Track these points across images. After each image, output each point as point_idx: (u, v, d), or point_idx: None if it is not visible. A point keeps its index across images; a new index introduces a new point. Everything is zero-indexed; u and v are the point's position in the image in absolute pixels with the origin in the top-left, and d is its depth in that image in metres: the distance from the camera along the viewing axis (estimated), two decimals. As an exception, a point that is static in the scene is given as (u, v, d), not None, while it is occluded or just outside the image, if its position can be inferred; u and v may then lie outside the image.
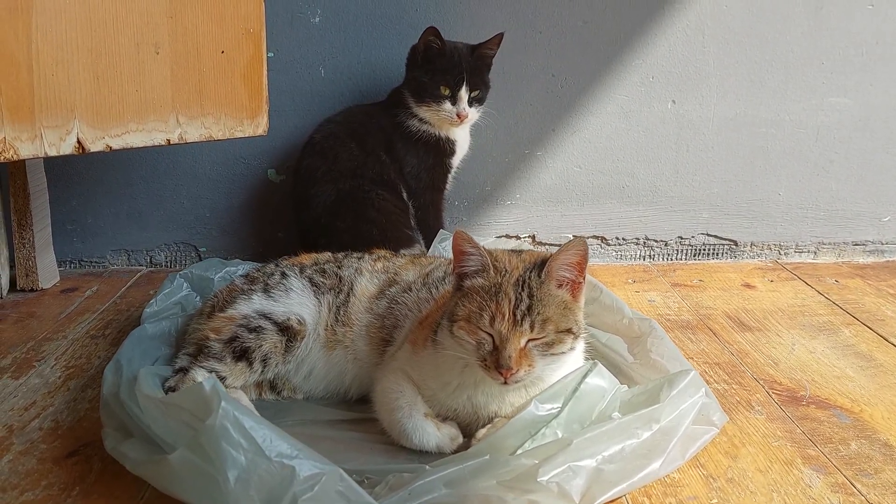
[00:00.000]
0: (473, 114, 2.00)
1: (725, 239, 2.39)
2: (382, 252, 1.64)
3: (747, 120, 2.30)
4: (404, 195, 2.04)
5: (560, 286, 1.21)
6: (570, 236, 1.25)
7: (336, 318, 1.45)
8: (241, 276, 1.61)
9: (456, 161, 2.09)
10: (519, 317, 1.16)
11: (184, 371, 1.34)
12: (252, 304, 1.42)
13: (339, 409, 1.43)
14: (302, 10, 2.15)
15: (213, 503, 1.00)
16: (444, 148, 2.04)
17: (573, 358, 1.26)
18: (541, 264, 1.20)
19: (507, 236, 2.35)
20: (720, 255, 2.40)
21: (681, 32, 2.22)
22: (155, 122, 1.54)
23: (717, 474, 1.22)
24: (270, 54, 2.07)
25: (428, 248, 2.00)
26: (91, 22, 1.39)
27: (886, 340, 1.77)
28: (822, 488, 1.19)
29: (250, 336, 1.36)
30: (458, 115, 1.96)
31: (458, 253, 1.21)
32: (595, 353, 1.45)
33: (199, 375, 1.31)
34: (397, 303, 1.44)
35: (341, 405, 1.45)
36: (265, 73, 1.76)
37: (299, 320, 1.41)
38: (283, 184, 2.24)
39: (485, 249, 1.20)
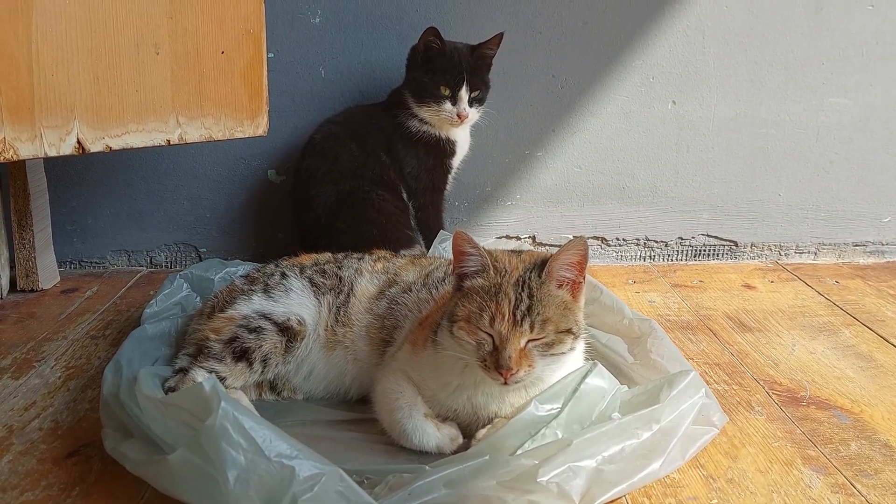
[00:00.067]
0: (474, 114, 2.00)
1: (726, 240, 2.39)
2: (382, 253, 1.64)
3: (747, 120, 2.30)
4: (404, 196, 2.04)
5: (560, 286, 1.21)
6: (571, 237, 1.25)
7: (336, 318, 1.45)
8: (241, 276, 1.61)
9: (456, 162, 2.09)
10: (519, 317, 1.16)
11: (184, 371, 1.34)
12: (252, 305, 1.42)
13: (339, 410, 1.42)
14: (302, 10, 2.15)
15: (212, 503, 1.00)
16: (444, 148, 2.04)
17: (573, 358, 1.26)
18: (541, 265, 1.20)
19: (508, 237, 2.35)
20: (720, 255, 2.40)
21: (681, 33, 2.22)
22: (155, 123, 1.54)
23: (717, 475, 1.22)
24: (270, 55, 2.07)
25: (428, 248, 2.00)
26: (91, 22, 1.39)
27: (887, 341, 1.77)
28: (822, 489, 1.19)
29: (250, 336, 1.36)
30: (459, 116, 1.96)
31: (458, 253, 1.21)
32: (595, 354, 1.45)
33: (199, 376, 1.31)
34: (397, 303, 1.44)
35: (341, 406, 1.45)
36: (265, 73, 1.76)
37: (299, 321, 1.41)
38: (284, 184, 2.24)
39: (485, 250, 1.20)
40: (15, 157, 1.28)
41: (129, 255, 2.28)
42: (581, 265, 1.20)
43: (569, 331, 1.20)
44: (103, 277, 2.19)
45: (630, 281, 2.20)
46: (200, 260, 2.26)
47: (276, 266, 1.56)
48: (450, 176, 2.10)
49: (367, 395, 1.40)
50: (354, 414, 1.40)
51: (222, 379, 1.33)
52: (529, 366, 1.17)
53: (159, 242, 2.28)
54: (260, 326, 1.38)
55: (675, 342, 1.51)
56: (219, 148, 2.20)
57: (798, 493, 1.18)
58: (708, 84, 2.27)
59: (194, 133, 1.62)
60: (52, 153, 1.35)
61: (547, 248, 2.34)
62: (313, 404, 1.45)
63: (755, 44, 2.25)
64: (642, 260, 2.39)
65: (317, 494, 0.97)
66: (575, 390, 1.20)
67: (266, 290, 1.45)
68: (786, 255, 2.41)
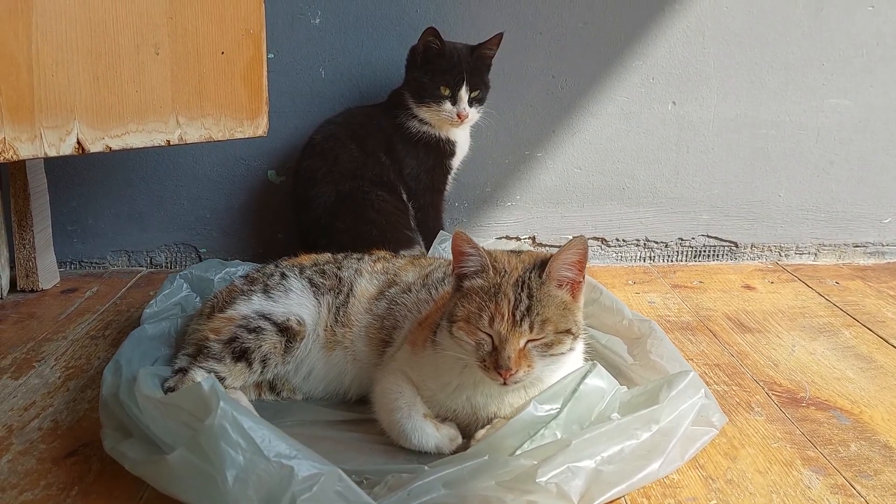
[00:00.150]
0: (474, 114, 2.00)
1: (726, 240, 2.39)
2: (382, 253, 1.64)
3: (748, 121, 2.30)
4: (404, 196, 2.04)
5: (560, 286, 1.21)
6: (571, 238, 1.25)
7: (335, 318, 1.45)
8: (241, 276, 1.61)
9: (456, 162, 2.09)
10: (518, 317, 1.16)
11: (183, 371, 1.34)
12: (252, 305, 1.42)
13: (339, 410, 1.43)
14: (302, 11, 2.15)
15: (211, 503, 1.00)
16: (444, 149, 2.04)
17: (572, 359, 1.26)
18: (541, 265, 1.20)
19: (508, 237, 2.35)
20: (720, 256, 2.40)
21: (681, 34, 2.22)
22: (155, 123, 1.54)
23: (716, 475, 1.22)
24: (271, 55, 2.08)
25: (428, 249, 2.00)
26: (91, 23, 1.39)
27: (887, 342, 1.77)
28: (821, 489, 1.19)
29: (250, 337, 1.36)
30: (459, 115, 1.96)
31: (458, 254, 1.21)
32: (595, 354, 1.45)
33: (199, 376, 1.31)
34: (397, 304, 1.44)
35: (340, 406, 1.45)
36: (265, 74, 1.76)
37: (299, 321, 1.42)
38: (283, 185, 2.24)
39: (484, 250, 1.20)
40: (15, 157, 1.28)
41: (130, 256, 2.29)
42: (581, 264, 1.21)
43: (568, 331, 1.19)
44: (103, 278, 2.19)
45: (630, 282, 2.20)
46: (200, 260, 2.26)
47: (276, 266, 1.56)
48: (450, 176, 2.10)
49: (366, 395, 1.40)
50: (354, 414, 1.40)
51: (222, 379, 1.33)
52: (529, 366, 1.17)
53: (159, 243, 2.28)
54: (259, 327, 1.38)
55: (674, 343, 1.51)
56: (219, 148, 2.20)
57: (797, 493, 1.18)
58: (708, 85, 2.27)
59: (194, 133, 1.62)
60: (52, 153, 1.35)
61: (547, 248, 2.34)
62: (313, 404, 1.45)
63: (755, 44, 2.25)
64: (642, 261, 2.39)
65: (315, 494, 0.97)
66: (574, 391, 1.20)
67: (266, 291, 1.45)
68: (786, 255, 2.41)
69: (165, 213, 2.26)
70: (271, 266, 1.57)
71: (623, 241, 2.37)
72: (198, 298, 1.74)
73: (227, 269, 1.86)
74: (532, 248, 2.31)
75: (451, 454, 1.21)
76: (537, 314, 1.16)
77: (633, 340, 1.54)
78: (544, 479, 1.05)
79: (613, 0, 2.19)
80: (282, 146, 2.21)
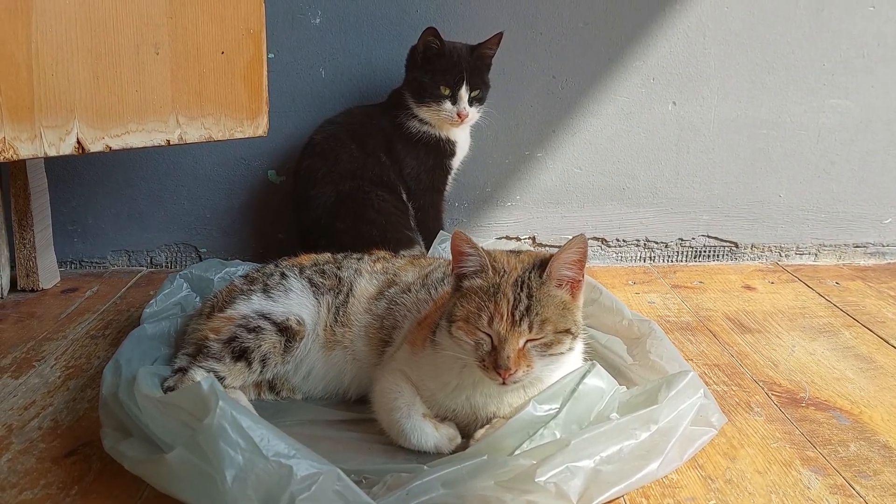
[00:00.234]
0: (474, 113, 2.00)
1: (726, 241, 2.39)
2: (382, 253, 1.64)
3: (748, 121, 2.30)
4: (404, 196, 2.04)
5: (560, 286, 1.21)
6: (571, 238, 1.25)
7: (335, 318, 1.45)
8: (241, 276, 1.61)
9: (456, 162, 2.09)
10: (517, 317, 1.16)
11: (183, 371, 1.34)
12: (251, 305, 1.42)
13: (338, 410, 1.43)
14: (303, 11, 2.15)
15: (210, 502, 1.00)
16: (444, 149, 2.04)
17: (572, 358, 1.26)
18: (541, 265, 1.20)
19: (508, 238, 2.35)
20: (721, 256, 2.40)
21: (682, 34, 2.22)
22: (155, 123, 1.54)
23: (715, 475, 1.22)
24: (271, 55, 2.08)
25: (428, 249, 2.00)
26: (91, 22, 1.39)
27: (887, 342, 1.76)
28: (820, 490, 1.19)
29: (249, 336, 1.36)
30: (459, 115, 1.96)
31: (457, 254, 1.21)
32: (594, 354, 1.45)
33: (198, 375, 1.31)
34: (396, 303, 1.44)
35: (340, 405, 1.45)
36: (265, 73, 1.76)
37: (298, 321, 1.42)
38: (284, 185, 2.24)
39: (483, 250, 1.20)
40: (15, 156, 1.29)
41: (130, 255, 2.29)
42: (581, 263, 1.21)
43: (567, 331, 1.19)
44: (103, 277, 2.20)
45: (630, 282, 2.20)
46: (200, 260, 2.26)
47: (276, 266, 1.56)
48: (450, 176, 2.10)
49: (365, 394, 1.40)
50: (353, 414, 1.40)
51: (221, 379, 1.33)
52: (528, 366, 1.17)
53: (159, 242, 2.28)
54: (259, 326, 1.38)
55: (674, 343, 1.51)
56: (219, 148, 2.20)
57: (797, 493, 1.18)
58: (709, 85, 2.27)
59: (194, 133, 1.62)
60: (52, 153, 1.36)
61: (547, 248, 2.34)
62: (312, 404, 1.45)
63: (756, 45, 2.25)
64: (642, 261, 2.39)
65: (314, 494, 0.97)
66: (573, 390, 1.20)
67: (265, 290, 1.45)
68: (786, 256, 2.40)
69: (166, 212, 2.26)
70: (271, 266, 1.57)
71: (623, 241, 2.37)
72: (198, 298, 1.74)
73: (227, 269, 1.86)
74: (532, 249, 2.31)
75: (451, 454, 1.21)
76: (536, 314, 1.16)
77: (632, 340, 1.54)
78: (543, 478, 1.05)
79: (614, 0, 2.19)
80: (282, 146, 2.22)
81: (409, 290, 1.46)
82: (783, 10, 2.22)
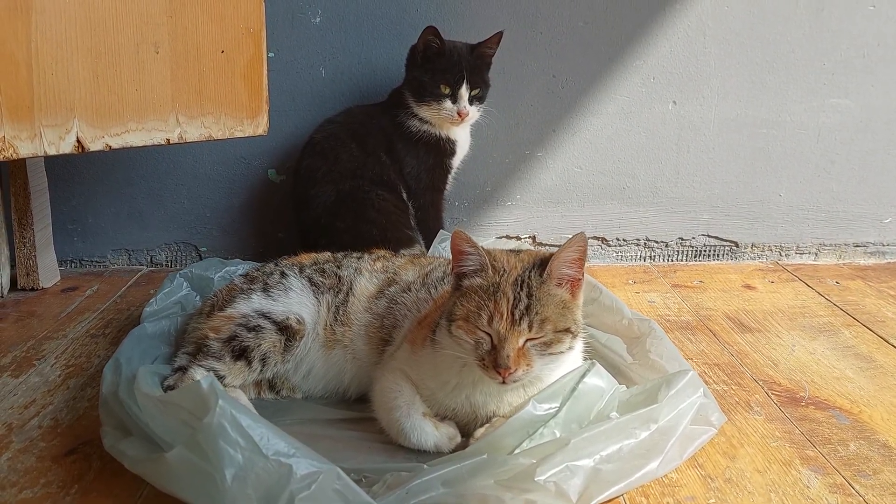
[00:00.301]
0: (474, 112, 2.00)
1: (726, 240, 2.39)
2: (382, 252, 1.64)
3: (748, 121, 2.30)
4: (404, 195, 2.04)
5: (560, 285, 1.21)
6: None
7: (335, 317, 1.45)
8: (241, 275, 1.61)
9: (456, 161, 2.09)
10: (517, 316, 1.16)
11: (183, 370, 1.34)
12: (251, 304, 1.42)
13: (338, 409, 1.43)
14: (303, 10, 2.15)
15: (210, 501, 1.00)
16: (444, 148, 2.04)
17: (572, 357, 1.26)
18: (541, 264, 1.20)
19: (508, 237, 2.35)
20: (721, 256, 2.40)
21: (682, 33, 2.22)
22: (154, 122, 1.55)
23: (715, 474, 1.22)
24: (271, 54, 2.07)
25: (428, 248, 2.00)
26: (90, 21, 1.39)
27: (886, 342, 1.76)
28: (820, 489, 1.19)
29: (249, 335, 1.36)
30: (459, 114, 1.96)
31: (457, 253, 1.21)
32: (594, 354, 1.44)
33: (198, 374, 1.31)
34: (396, 302, 1.44)
35: (340, 404, 1.45)
36: (265, 72, 1.76)
37: (298, 319, 1.42)
38: (284, 184, 2.24)
39: (483, 249, 1.21)
40: (14, 155, 1.29)
41: (130, 254, 2.29)
42: (581, 261, 1.21)
43: (567, 330, 1.20)
44: (104, 276, 2.20)
45: (630, 281, 2.20)
46: (200, 259, 2.26)
47: (276, 265, 1.56)
48: (450, 176, 2.10)
49: (365, 393, 1.40)
50: (353, 413, 1.40)
51: (221, 377, 1.33)
52: (528, 365, 1.17)
53: (159, 241, 2.28)
54: (259, 325, 1.38)
55: (674, 342, 1.50)
56: (219, 147, 2.20)
57: (796, 493, 1.18)
58: (709, 84, 2.27)
59: (194, 132, 1.62)
60: (52, 152, 1.36)
61: (547, 248, 2.34)
62: (312, 403, 1.45)
63: (756, 44, 2.25)
64: (642, 260, 2.39)
65: (314, 493, 0.97)
66: (573, 390, 1.20)
67: (265, 289, 1.45)
68: (786, 255, 2.40)
69: (166, 211, 2.26)
70: (271, 265, 1.57)
71: (623, 240, 2.37)
72: (198, 297, 1.74)
73: (227, 268, 1.86)
74: (532, 248, 2.31)
75: (450, 453, 1.21)
76: (536, 313, 1.16)
77: (632, 340, 1.54)
78: (543, 477, 1.05)
79: (614, -1, 2.19)
80: (282, 145, 2.22)
81: (410, 289, 1.46)
82: (783, 10, 2.22)
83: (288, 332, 1.39)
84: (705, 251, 2.40)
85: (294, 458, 1.00)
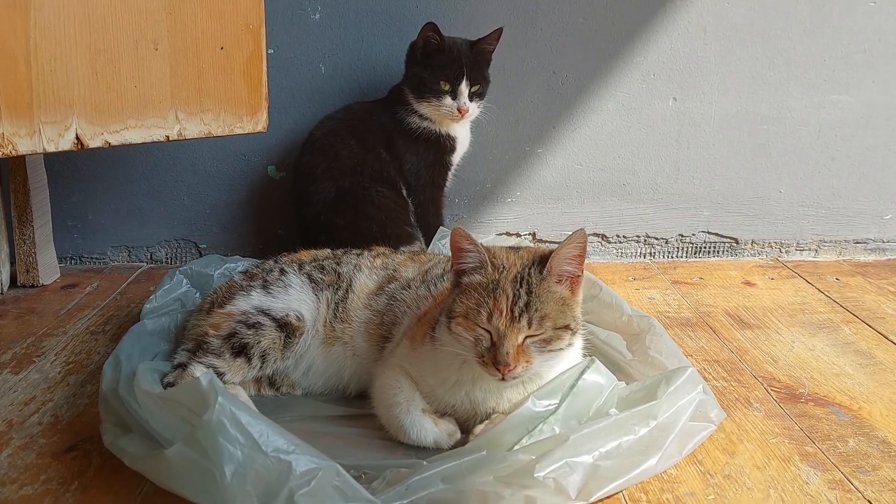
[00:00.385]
0: (474, 108, 2.00)
1: (726, 237, 2.39)
2: (382, 249, 1.64)
3: (749, 117, 2.30)
4: (404, 192, 2.04)
5: (560, 282, 1.21)
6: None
7: (335, 314, 1.45)
8: (241, 272, 1.61)
9: (456, 158, 2.09)
10: (517, 313, 1.16)
11: (182, 367, 1.34)
12: (251, 301, 1.42)
13: (338, 405, 1.43)
14: (302, 6, 2.15)
15: (209, 498, 1.00)
16: (444, 145, 2.04)
17: (571, 354, 1.26)
18: (540, 261, 1.20)
19: (508, 234, 2.35)
20: (721, 252, 2.40)
21: (682, 29, 2.22)
22: (154, 119, 1.54)
23: (714, 471, 1.22)
24: (270, 51, 2.07)
25: (428, 245, 2.00)
26: (89, 18, 1.39)
27: (886, 338, 1.76)
28: (819, 485, 1.19)
29: (249, 332, 1.36)
30: (459, 110, 1.96)
31: (456, 250, 1.21)
32: (594, 350, 1.45)
33: (198, 371, 1.31)
34: (396, 299, 1.44)
35: (340, 401, 1.45)
36: (265, 69, 1.76)
37: (298, 316, 1.42)
38: (283, 181, 2.24)
39: (483, 246, 1.21)
40: (14, 152, 1.29)
41: (130, 251, 2.29)
42: (581, 258, 1.21)
43: (567, 327, 1.20)
44: (103, 273, 2.20)
45: (630, 278, 2.20)
46: (200, 256, 2.26)
47: (275, 262, 1.56)
48: (450, 172, 2.10)
49: (365, 390, 1.40)
50: (353, 409, 1.40)
51: (221, 374, 1.33)
52: (527, 362, 1.17)
53: (159, 238, 2.28)
54: (258, 322, 1.38)
55: (674, 339, 1.50)
56: (219, 144, 2.20)
57: (795, 489, 1.18)
58: (709, 81, 2.26)
59: (193, 129, 1.62)
60: (51, 148, 1.36)
61: (547, 244, 2.34)
62: (312, 400, 1.45)
63: (757, 40, 2.24)
64: (642, 257, 2.39)
65: (313, 489, 0.98)
66: (572, 386, 1.20)
67: (265, 286, 1.45)
68: (786, 252, 2.40)
69: (165, 208, 2.26)
70: (271, 262, 1.57)
71: (623, 237, 2.37)
72: (197, 294, 1.74)
73: (227, 265, 1.86)
74: (532, 245, 2.31)
75: (450, 449, 1.21)
76: (536, 310, 1.16)
77: (632, 336, 1.54)
78: (542, 473, 1.05)
79: (614, -5, 2.19)
80: (282, 142, 2.21)
81: (409, 286, 1.46)
82: (784, 6, 2.22)
83: (287, 328, 1.40)
84: (705, 248, 2.39)
85: (293, 455, 1.01)
